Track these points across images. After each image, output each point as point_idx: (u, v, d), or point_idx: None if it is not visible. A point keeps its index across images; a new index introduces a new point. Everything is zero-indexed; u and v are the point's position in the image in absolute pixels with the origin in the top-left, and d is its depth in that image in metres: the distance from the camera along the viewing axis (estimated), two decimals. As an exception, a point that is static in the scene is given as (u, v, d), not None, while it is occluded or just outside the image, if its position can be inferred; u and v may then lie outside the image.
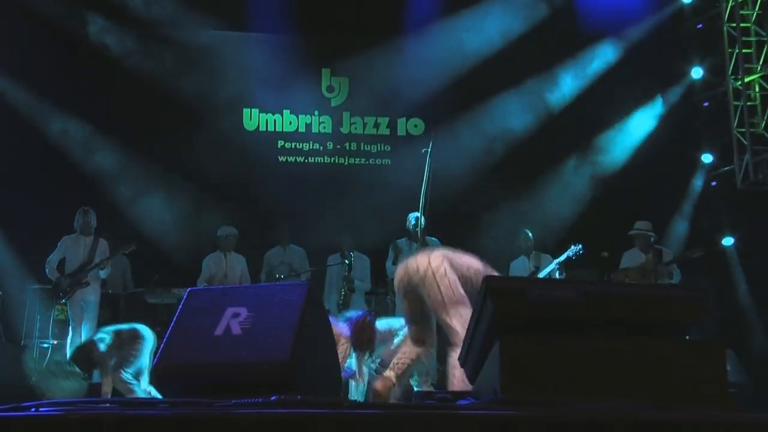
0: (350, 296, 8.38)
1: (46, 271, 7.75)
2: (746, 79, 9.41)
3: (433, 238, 8.02)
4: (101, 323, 8.09)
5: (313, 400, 2.03)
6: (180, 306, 2.93)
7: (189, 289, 3.06)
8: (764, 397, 7.04)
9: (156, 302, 8.40)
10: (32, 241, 8.55)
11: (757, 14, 9.45)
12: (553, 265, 7.67)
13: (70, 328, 7.66)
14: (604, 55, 10.24)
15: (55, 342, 8.00)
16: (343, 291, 8.36)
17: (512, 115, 10.31)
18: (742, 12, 9.50)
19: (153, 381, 2.83)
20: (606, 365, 2.29)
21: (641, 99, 10.18)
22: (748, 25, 9.50)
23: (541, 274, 7.76)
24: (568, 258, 7.50)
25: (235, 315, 2.75)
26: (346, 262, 8.36)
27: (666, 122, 10.13)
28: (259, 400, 2.04)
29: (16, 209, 8.83)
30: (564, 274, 7.73)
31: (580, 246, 7.48)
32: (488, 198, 9.78)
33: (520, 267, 8.34)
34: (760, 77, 9.41)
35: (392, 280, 8.39)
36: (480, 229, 9.00)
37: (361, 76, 10.56)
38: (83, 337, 7.49)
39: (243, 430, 1.81)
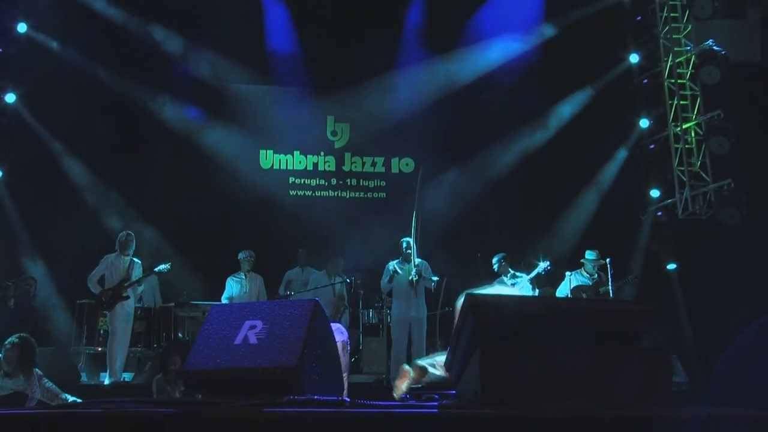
0: (343, 311, 8.33)
1: (89, 285, 7.47)
2: (684, 126, 9.57)
3: (420, 260, 7.98)
4: (138, 333, 8.00)
5: (320, 400, 2.01)
6: (205, 319, 2.91)
7: (213, 304, 3.05)
8: (701, 395, 7.03)
9: (184, 315, 8.33)
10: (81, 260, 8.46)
11: (690, 72, 9.69)
12: (526, 281, 7.77)
13: (110, 335, 7.42)
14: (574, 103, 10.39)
15: (99, 349, 7.86)
16: (342, 307, 8.30)
17: (494, 154, 10.41)
18: (679, 70, 9.75)
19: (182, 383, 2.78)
20: (571, 369, 2.27)
21: (603, 145, 10.28)
22: (684, 81, 9.70)
23: (517, 285, 7.77)
24: (538, 274, 7.69)
25: (252, 327, 2.73)
26: (347, 280, 8.30)
27: (623, 165, 10.25)
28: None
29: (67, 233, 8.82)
30: (536, 287, 7.84)
31: (548, 262, 7.67)
32: (471, 227, 9.81)
33: (500, 284, 8.20)
34: (695, 124, 9.56)
35: (386, 295, 8.39)
36: (465, 252, 8.92)
37: (360, 122, 10.67)
38: (120, 344, 7.39)
39: (261, 427, 1.79)
